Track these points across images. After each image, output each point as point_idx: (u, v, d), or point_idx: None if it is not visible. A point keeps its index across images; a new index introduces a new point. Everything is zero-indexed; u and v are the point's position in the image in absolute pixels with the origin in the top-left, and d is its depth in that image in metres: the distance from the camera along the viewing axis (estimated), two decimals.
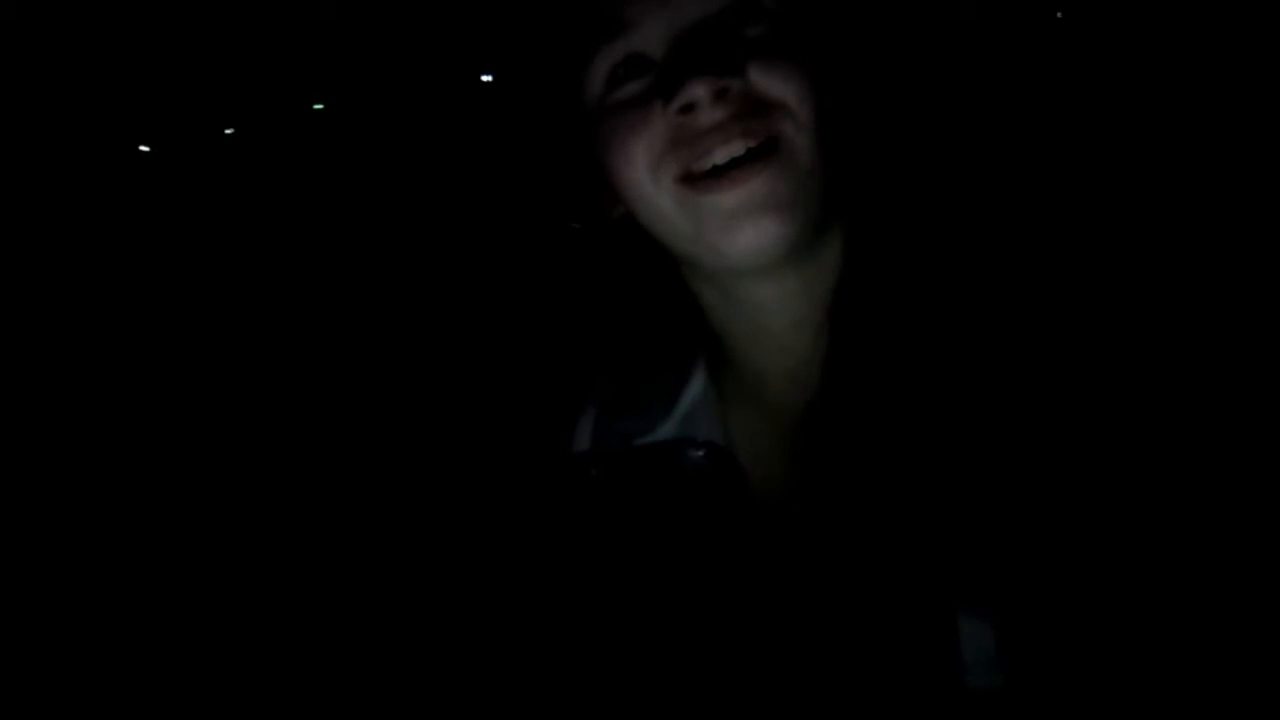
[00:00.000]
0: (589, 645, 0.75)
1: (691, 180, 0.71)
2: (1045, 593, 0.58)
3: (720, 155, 0.70)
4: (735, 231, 0.71)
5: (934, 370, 0.67)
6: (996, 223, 0.71)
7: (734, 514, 0.74)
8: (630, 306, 0.92)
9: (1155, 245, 0.66)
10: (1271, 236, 0.66)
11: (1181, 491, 0.58)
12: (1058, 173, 0.79)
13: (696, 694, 0.70)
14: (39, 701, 2.14)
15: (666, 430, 0.86)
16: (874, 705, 0.61)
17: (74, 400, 3.37)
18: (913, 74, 0.86)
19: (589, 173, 0.79)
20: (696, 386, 0.88)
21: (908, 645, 0.61)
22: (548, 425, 0.93)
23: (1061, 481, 0.60)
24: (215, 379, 3.58)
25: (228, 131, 5.83)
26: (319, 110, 5.82)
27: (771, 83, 0.70)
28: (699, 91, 0.68)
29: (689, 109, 0.69)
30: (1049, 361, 0.63)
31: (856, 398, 0.70)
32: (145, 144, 5.62)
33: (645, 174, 0.73)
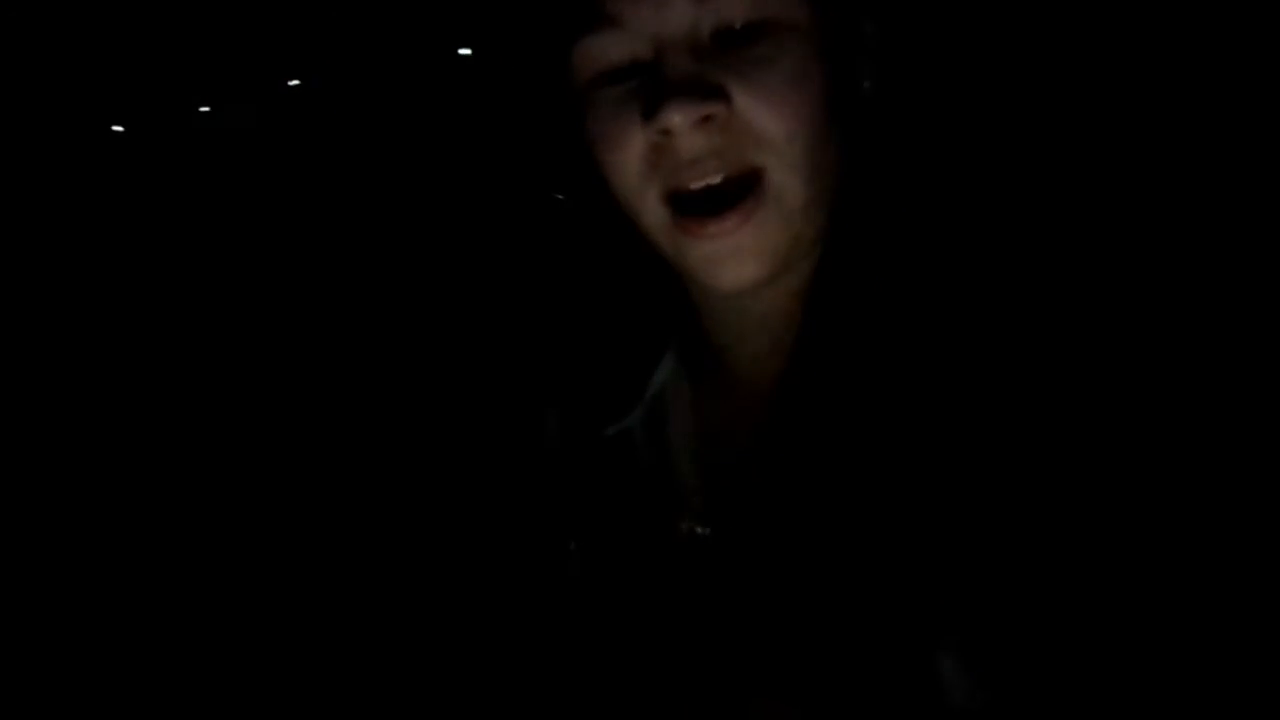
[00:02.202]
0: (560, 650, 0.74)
1: (678, 202, 0.67)
2: (1023, 611, 0.56)
3: (698, 184, 0.66)
4: (718, 271, 0.68)
5: (904, 355, 0.64)
6: (979, 222, 0.68)
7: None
8: (601, 288, 0.90)
9: (1139, 249, 0.63)
10: (1266, 241, 0.63)
11: (1160, 507, 0.56)
12: (1043, 174, 0.76)
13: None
14: (39, 701, 2.13)
15: (636, 415, 0.84)
16: None
17: (47, 388, 3.34)
18: (912, 100, 0.81)
19: (573, 151, 0.75)
20: (666, 369, 0.85)
21: (881, 662, 0.58)
22: (515, 415, 0.91)
23: (1033, 493, 0.57)
24: (188, 359, 3.55)
25: (203, 110, 5.76)
26: (295, 86, 5.76)
27: (759, 114, 0.65)
28: (676, 119, 0.63)
29: (668, 133, 0.65)
30: (1025, 368, 0.60)
31: (822, 378, 0.68)
32: (118, 124, 5.55)
33: (632, 184, 0.69)
